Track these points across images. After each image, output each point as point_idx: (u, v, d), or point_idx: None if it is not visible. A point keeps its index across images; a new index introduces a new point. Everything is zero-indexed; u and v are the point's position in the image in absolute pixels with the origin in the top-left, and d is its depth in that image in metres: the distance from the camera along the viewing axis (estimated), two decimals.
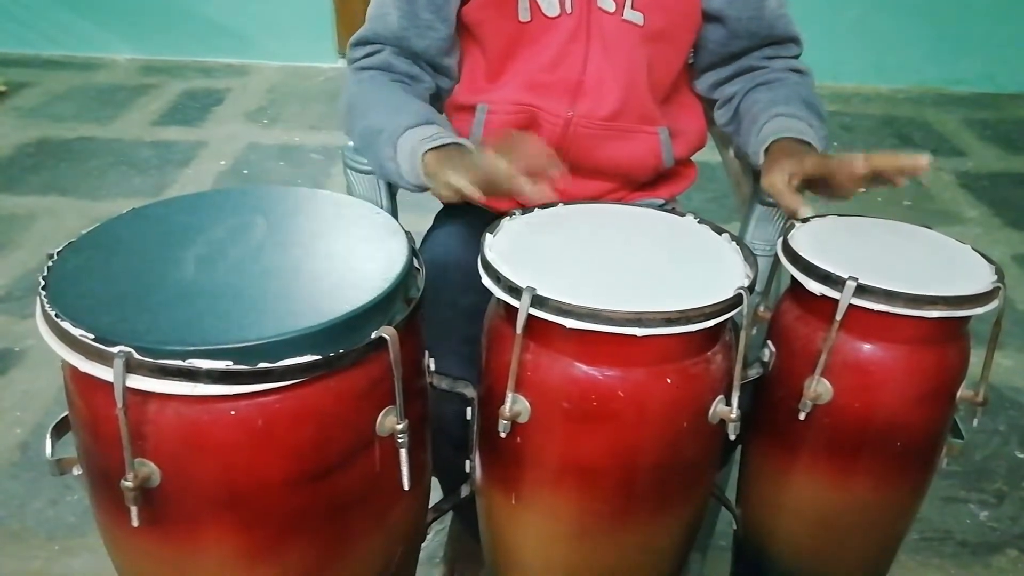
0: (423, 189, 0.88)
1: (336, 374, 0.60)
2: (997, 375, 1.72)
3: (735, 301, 0.66)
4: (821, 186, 0.81)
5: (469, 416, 0.80)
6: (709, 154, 1.11)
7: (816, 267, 0.73)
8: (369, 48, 0.97)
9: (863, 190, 0.80)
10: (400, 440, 0.65)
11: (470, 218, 1.07)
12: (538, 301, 0.64)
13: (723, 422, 0.70)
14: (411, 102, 0.92)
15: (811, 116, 0.91)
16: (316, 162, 2.68)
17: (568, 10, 0.93)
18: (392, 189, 1.02)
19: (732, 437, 0.71)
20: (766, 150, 0.87)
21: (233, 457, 0.59)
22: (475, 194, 0.75)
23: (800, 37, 1.00)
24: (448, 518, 1.28)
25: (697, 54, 1.03)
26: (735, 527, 0.94)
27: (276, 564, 0.65)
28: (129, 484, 0.56)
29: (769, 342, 0.81)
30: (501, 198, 0.77)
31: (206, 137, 2.84)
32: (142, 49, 3.62)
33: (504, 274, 0.67)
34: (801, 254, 0.75)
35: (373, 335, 0.60)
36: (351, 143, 0.99)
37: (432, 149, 0.82)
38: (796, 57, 1.00)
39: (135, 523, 0.57)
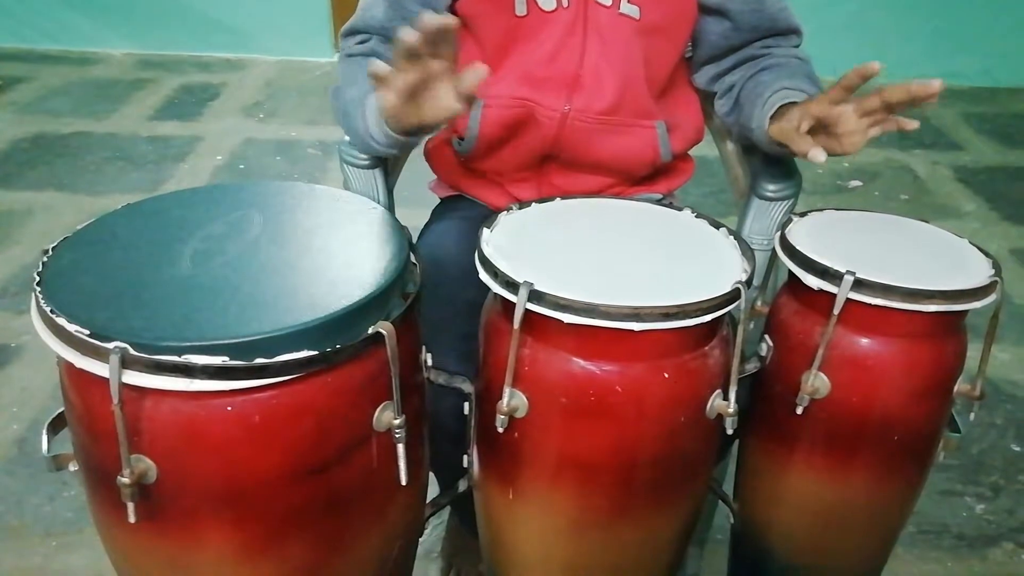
0: (394, 148, 0.87)
1: (333, 369, 0.59)
2: (994, 369, 1.73)
3: (733, 296, 0.66)
4: (828, 135, 0.79)
5: (467, 411, 0.80)
6: (707, 149, 1.11)
7: (814, 261, 0.73)
8: (359, 37, 0.97)
9: (872, 134, 0.76)
10: (397, 435, 0.64)
11: (467, 213, 1.07)
12: (535, 296, 0.64)
13: (721, 416, 0.70)
14: None
15: (816, 90, 0.90)
16: (313, 157, 2.68)
17: (564, 4, 0.92)
18: (389, 184, 1.02)
19: (730, 431, 0.71)
20: (771, 118, 0.87)
21: (230, 453, 0.59)
22: (390, 96, 0.72)
23: (801, 29, 0.99)
24: (446, 513, 1.28)
25: (697, 47, 1.02)
26: (732, 521, 0.94)
27: (274, 560, 0.65)
28: (126, 480, 0.56)
29: (766, 336, 0.81)
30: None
31: (203, 132, 2.84)
32: (138, 44, 3.61)
33: (501, 269, 0.67)
34: (799, 248, 0.75)
35: (370, 330, 0.60)
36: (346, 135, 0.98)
37: None
38: (797, 48, 1.00)
39: (132, 519, 0.57)
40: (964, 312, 0.73)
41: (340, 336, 0.59)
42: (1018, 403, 1.67)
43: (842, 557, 0.88)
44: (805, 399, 0.75)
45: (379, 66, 0.71)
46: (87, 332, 0.55)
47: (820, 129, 0.79)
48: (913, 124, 0.76)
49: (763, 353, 0.81)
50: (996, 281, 0.72)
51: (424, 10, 0.93)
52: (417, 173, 1.13)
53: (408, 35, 0.67)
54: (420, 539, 0.85)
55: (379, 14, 0.95)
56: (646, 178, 1.06)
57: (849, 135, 0.76)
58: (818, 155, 0.76)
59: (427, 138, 1.10)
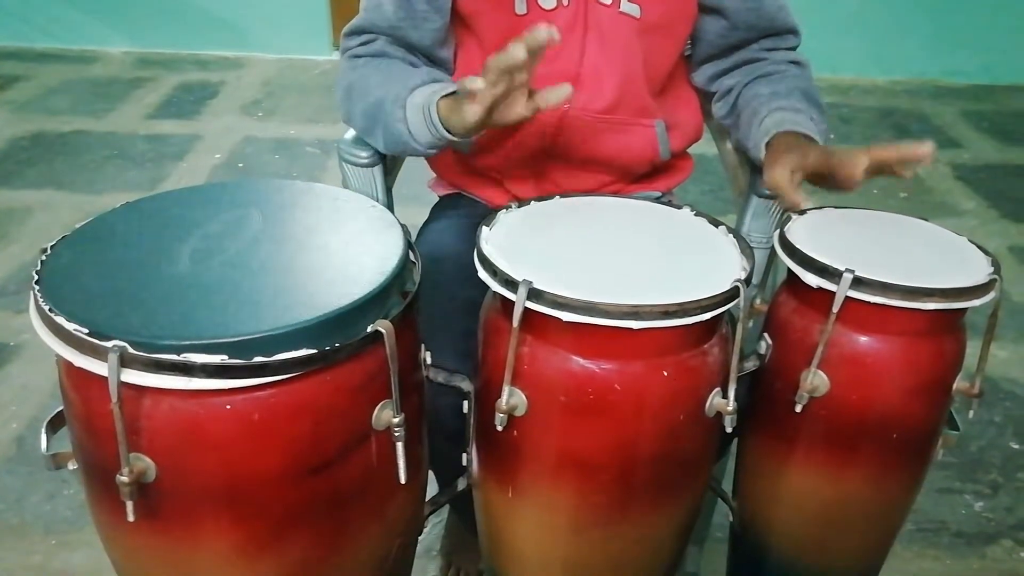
0: (434, 148, 0.88)
1: (332, 368, 0.59)
2: (992, 367, 1.73)
3: (732, 294, 0.66)
4: (824, 179, 0.80)
5: (466, 409, 0.80)
6: (706, 146, 1.11)
7: (813, 259, 0.73)
8: (364, 37, 0.97)
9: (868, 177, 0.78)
10: (397, 434, 0.64)
11: (466, 211, 1.07)
12: (534, 294, 0.64)
13: (720, 415, 0.70)
14: (415, 71, 0.93)
15: (812, 109, 0.91)
16: (312, 155, 2.68)
17: (565, 2, 0.92)
18: (388, 182, 1.01)
19: (729, 430, 0.71)
20: (767, 144, 0.87)
21: (229, 452, 0.59)
22: (490, 92, 0.74)
23: (799, 28, 1.00)
24: (445, 511, 1.29)
25: (695, 46, 1.02)
26: (731, 519, 0.95)
27: (274, 558, 0.65)
28: (125, 479, 0.56)
29: (766, 335, 0.81)
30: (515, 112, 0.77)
31: (201, 130, 2.83)
32: (137, 42, 3.61)
33: (500, 267, 0.67)
34: (798, 246, 0.75)
35: (369, 329, 0.60)
36: (351, 130, 0.98)
37: (444, 97, 0.84)
38: (794, 48, 1.00)
39: (131, 518, 0.57)
40: (963, 310, 0.73)
41: (339, 334, 0.59)
42: (1017, 401, 1.67)
43: (841, 554, 0.88)
44: (804, 397, 0.75)
45: (474, 83, 0.73)
46: (86, 331, 0.55)
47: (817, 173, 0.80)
48: (907, 174, 0.76)
49: (762, 351, 0.81)
50: (995, 279, 0.72)
51: (430, 10, 0.93)
52: (416, 171, 1.13)
53: (518, 52, 0.70)
54: (419, 537, 0.85)
55: (388, 13, 0.94)
56: (645, 176, 1.06)
57: (844, 181, 0.77)
58: (807, 208, 0.79)
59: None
